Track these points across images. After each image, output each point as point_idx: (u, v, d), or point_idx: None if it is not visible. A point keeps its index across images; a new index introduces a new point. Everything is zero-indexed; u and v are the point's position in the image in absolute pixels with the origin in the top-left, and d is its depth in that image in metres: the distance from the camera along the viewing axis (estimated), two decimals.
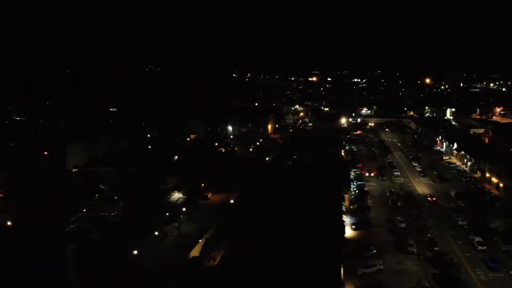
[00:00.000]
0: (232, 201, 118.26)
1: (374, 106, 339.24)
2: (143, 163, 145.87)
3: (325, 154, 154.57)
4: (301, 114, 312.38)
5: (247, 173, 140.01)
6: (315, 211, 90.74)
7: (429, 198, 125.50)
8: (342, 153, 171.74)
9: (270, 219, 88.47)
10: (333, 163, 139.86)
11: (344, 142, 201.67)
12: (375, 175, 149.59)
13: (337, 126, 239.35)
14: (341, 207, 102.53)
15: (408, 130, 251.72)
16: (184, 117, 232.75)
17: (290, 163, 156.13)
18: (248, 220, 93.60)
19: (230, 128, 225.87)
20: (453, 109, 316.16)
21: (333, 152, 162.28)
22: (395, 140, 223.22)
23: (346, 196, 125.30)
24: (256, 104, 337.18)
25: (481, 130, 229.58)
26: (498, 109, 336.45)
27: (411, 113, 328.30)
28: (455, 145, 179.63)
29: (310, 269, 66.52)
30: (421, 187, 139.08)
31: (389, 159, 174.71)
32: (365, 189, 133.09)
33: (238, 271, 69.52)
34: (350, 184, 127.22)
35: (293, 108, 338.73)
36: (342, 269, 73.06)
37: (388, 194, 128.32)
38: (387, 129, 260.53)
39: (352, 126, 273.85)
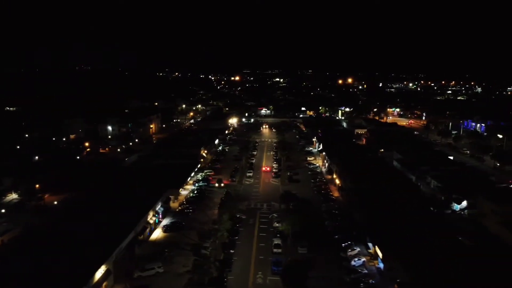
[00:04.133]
0: (56, 202, 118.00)
1: (271, 106, 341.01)
2: None
3: (184, 155, 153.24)
4: (191, 114, 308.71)
5: (92, 173, 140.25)
6: (120, 213, 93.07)
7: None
8: (204, 154, 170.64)
9: (75, 222, 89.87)
10: (180, 164, 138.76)
11: (218, 142, 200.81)
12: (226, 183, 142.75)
13: (223, 126, 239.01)
14: (149, 209, 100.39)
15: (294, 131, 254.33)
16: (67, 117, 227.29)
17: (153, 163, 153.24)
18: (55, 222, 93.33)
19: (109, 128, 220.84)
20: (347, 109, 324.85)
21: (194, 153, 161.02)
22: (275, 140, 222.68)
23: (181, 197, 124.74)
24: (156, 103, 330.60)
25: (363, 131, 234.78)
26: (397, 109, 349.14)
27: (311, 113, 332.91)
28: (321, 146, 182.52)
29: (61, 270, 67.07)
30: (267, 188, 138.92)
31: (253, 159, 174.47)
32: (206, 190, 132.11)
33: None
34: (181, 186, 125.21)
35: (194, 108, 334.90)
36: (104, 270, 72.59)
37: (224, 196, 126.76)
38: (273, 130, 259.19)
39: (243, 126, 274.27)
